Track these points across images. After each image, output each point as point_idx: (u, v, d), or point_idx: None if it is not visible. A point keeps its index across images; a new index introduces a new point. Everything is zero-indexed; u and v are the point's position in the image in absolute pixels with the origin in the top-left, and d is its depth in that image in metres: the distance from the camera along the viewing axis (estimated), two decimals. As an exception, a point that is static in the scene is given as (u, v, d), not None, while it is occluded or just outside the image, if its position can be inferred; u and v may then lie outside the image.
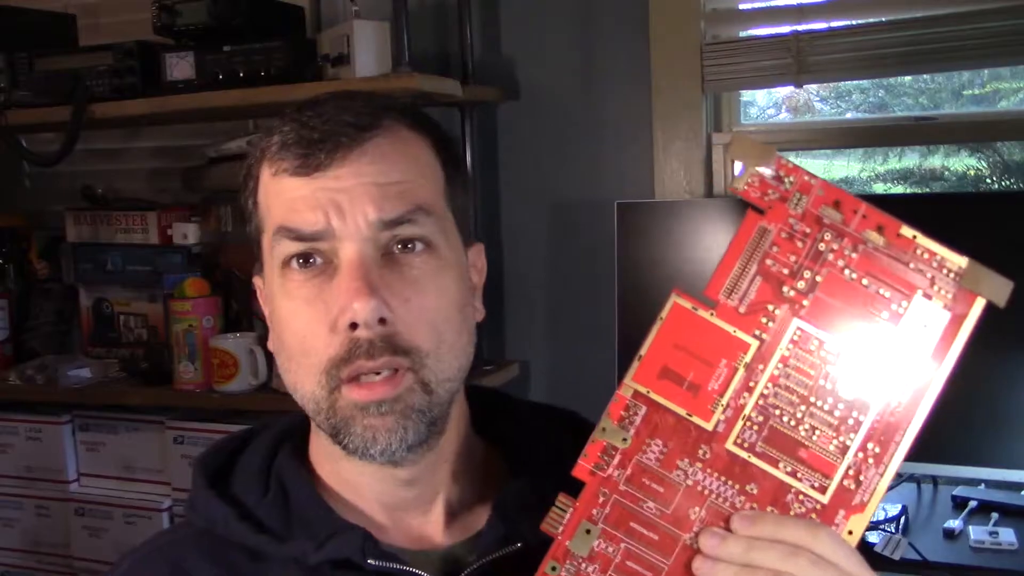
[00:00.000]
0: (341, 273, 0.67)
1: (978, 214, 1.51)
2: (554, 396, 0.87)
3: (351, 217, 0.67)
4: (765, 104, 2.04)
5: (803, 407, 0.62)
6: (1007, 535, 1.44)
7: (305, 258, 0.69)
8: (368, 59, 1.57)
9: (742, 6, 1.79)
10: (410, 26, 1.59)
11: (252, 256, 0.77)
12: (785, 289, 0.63)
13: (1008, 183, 1.94)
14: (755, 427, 0.62)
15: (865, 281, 0.62)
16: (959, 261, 0.62)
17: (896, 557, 1.40)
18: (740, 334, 0.62)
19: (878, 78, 1.85)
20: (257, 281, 0.77)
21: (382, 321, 0.66)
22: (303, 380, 0.70)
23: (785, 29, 1.70)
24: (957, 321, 0.62)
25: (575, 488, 0.63)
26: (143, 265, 1.87)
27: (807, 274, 0.63)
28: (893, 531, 1.48)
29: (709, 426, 0.62)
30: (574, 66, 1.82)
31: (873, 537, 1.46)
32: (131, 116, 1.74)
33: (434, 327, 0.69)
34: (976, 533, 1.45)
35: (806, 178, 0.63)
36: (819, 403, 0.62)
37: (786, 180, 0.63)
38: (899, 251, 0.62)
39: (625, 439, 0.62)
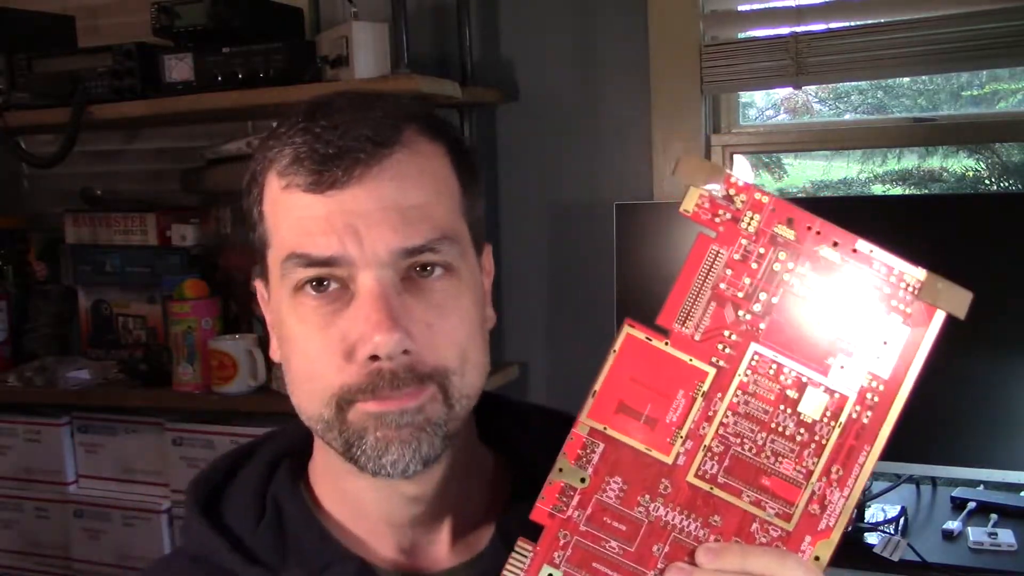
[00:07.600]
0: (360, 302, 0.64)
1: (977, 215, 1.51)
2: (553, 398, 0.86)
3: (369, 244, 0.64)
4: (764, 105, 2.05)
5: (763, 434, 0.60)
6: (1006, 536, 1.45)
7: (319, 281, 0.66)
8: (367, 61, 1.56)
9: (741, 7, 1.79)
10: (409, 27, 1.59)
11: (251, 258, 0.74)
12: (741, 313, 0.61)
13: (1007, 184, 1.94)
14: (716, 457, 0.60)
15: (822, 300, 0.60)
16: (917, 274, 0.60)
17: (895, 558, 1.40)
18: (696, 362, 0.60)
19: (877, 79, 1.86)
20: (258, 285, 0.75)
21: (405, 352, 0.64)
22: (307, 403, 0.68)
23: (784, 31, 1.70)
24: (918, 335, 0.60)
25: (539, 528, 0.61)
26: (142, 267, 1.87)
27: (763, 296, 0.61)
28: (892, 532, 1.48)
29: (669, 460, 0.60)
30: (573, 67, 1.82)
31: (872, 538, 1.47)
32: (130, 118, 1.75)
33: (459, 347, 0.67)
34: (975, 534, 1.46)
35: (757, 196, 0.61)
36: (780, 428, 0.60)
37: (737, 199, 0.61)
38: (856, 267, 0.60)
39: (583, 479, 0.60)
